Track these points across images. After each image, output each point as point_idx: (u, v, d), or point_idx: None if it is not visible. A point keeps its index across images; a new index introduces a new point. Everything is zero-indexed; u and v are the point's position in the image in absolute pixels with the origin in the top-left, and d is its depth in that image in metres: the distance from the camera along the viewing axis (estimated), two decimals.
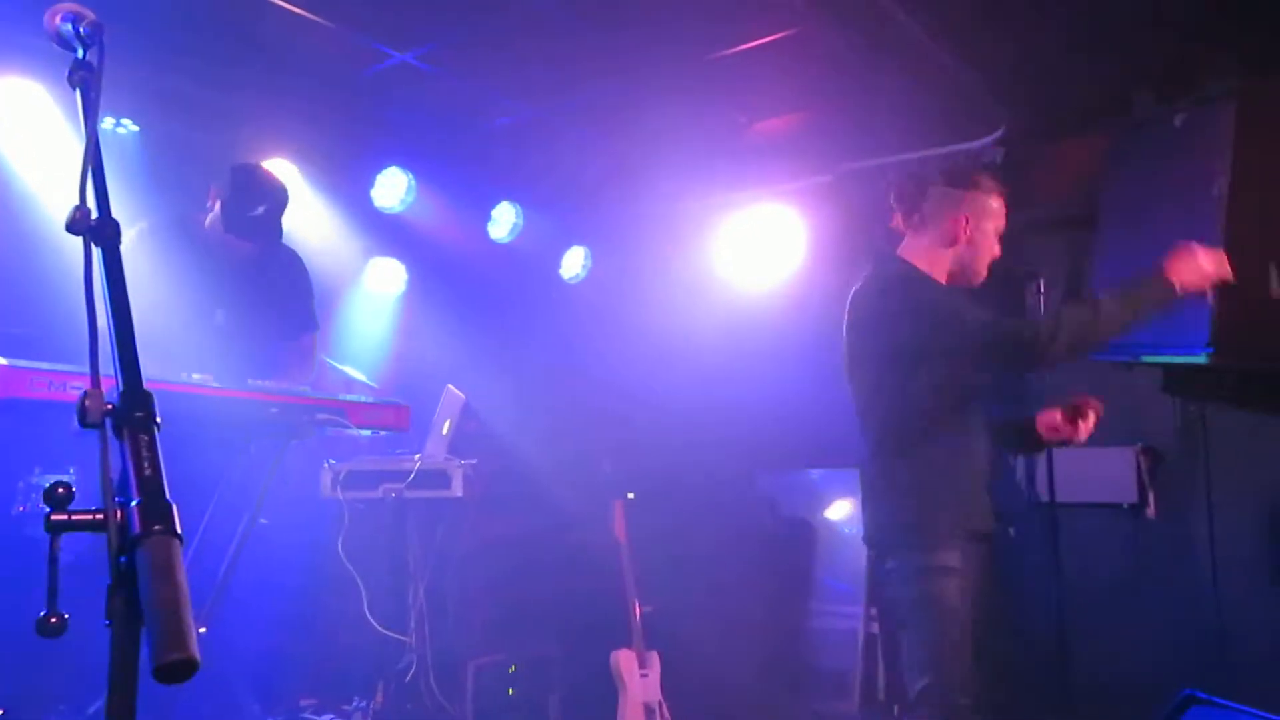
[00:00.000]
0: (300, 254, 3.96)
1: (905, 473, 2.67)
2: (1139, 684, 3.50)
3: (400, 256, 5.20)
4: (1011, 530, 4.12)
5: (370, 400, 3.66)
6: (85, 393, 0.95)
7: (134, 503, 0.89)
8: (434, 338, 5.10)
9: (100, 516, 0.90)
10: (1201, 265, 2.55)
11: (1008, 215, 2.77)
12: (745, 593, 4.95)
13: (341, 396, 3.60)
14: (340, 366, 4.23)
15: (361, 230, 4.92)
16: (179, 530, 0.88)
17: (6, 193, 3.66)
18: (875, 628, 4.71)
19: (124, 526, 0.89)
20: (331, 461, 4.00)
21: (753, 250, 5.28)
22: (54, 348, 2.86)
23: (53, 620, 0.91)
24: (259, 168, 3.68)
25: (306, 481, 4.01)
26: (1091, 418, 2.69)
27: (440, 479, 3.89)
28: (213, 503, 3.36)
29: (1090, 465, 4.04)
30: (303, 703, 4.08)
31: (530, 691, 4.44)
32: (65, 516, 0.92)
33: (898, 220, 2.80)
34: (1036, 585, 3.46)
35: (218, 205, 3.55)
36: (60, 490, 0.92)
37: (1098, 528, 4.11)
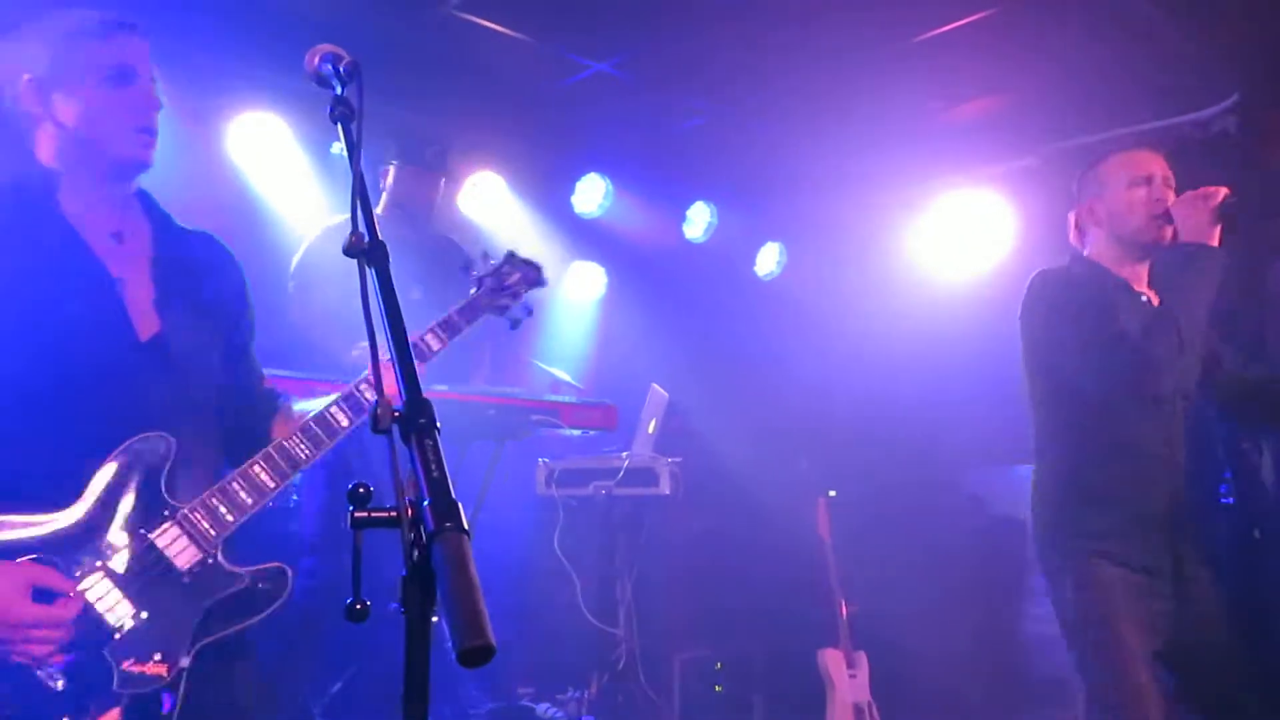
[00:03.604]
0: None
1: (1052, 483, 2.57)
2: None
3: (600, 260, 5.36)
4: (1257, 532, 3.79)
5: (580, 401, 3.78)
6: (375, 402, 1.04)
7: (425, 502, 0.97)
8: (634, 338, 5.21)
9: (395, 514, 0.99)
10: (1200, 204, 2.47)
11: (1243, 189, 2.57)
12: (954, 594, 4.77)
13: (552, 398, 3.74)
14: (547, 368, 4.39)
15: (562, 235, 5.11)
16: (467, 526, 0.95)
17: (254, 216, 4.04)
18: None
19: (416, 523, 0.97)
20: (545, 460, 4.16)
21: (955, 239, 5.11)
22: (298, 357, 3.12)
23: (358, 607, 1.01)
24: None
25: (520, 479, 4.19)
26: None
27: (648, 477, 3.98)
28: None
29: None
30: (520, 690, 4.26)
31: (736, 688, 4.46)
32: (366, 514, 1.01)
33: (1073, 234, 2.78)
34: None
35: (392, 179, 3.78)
36: (361, 490, 1.01)
37: None
